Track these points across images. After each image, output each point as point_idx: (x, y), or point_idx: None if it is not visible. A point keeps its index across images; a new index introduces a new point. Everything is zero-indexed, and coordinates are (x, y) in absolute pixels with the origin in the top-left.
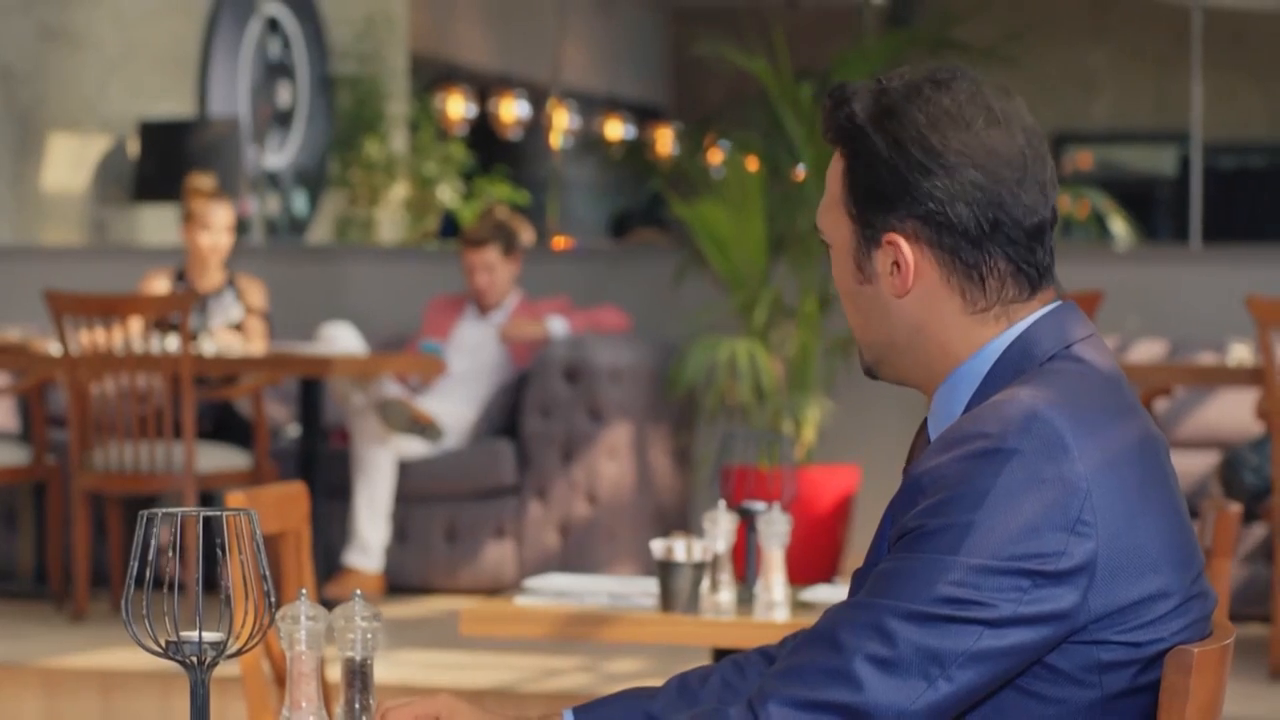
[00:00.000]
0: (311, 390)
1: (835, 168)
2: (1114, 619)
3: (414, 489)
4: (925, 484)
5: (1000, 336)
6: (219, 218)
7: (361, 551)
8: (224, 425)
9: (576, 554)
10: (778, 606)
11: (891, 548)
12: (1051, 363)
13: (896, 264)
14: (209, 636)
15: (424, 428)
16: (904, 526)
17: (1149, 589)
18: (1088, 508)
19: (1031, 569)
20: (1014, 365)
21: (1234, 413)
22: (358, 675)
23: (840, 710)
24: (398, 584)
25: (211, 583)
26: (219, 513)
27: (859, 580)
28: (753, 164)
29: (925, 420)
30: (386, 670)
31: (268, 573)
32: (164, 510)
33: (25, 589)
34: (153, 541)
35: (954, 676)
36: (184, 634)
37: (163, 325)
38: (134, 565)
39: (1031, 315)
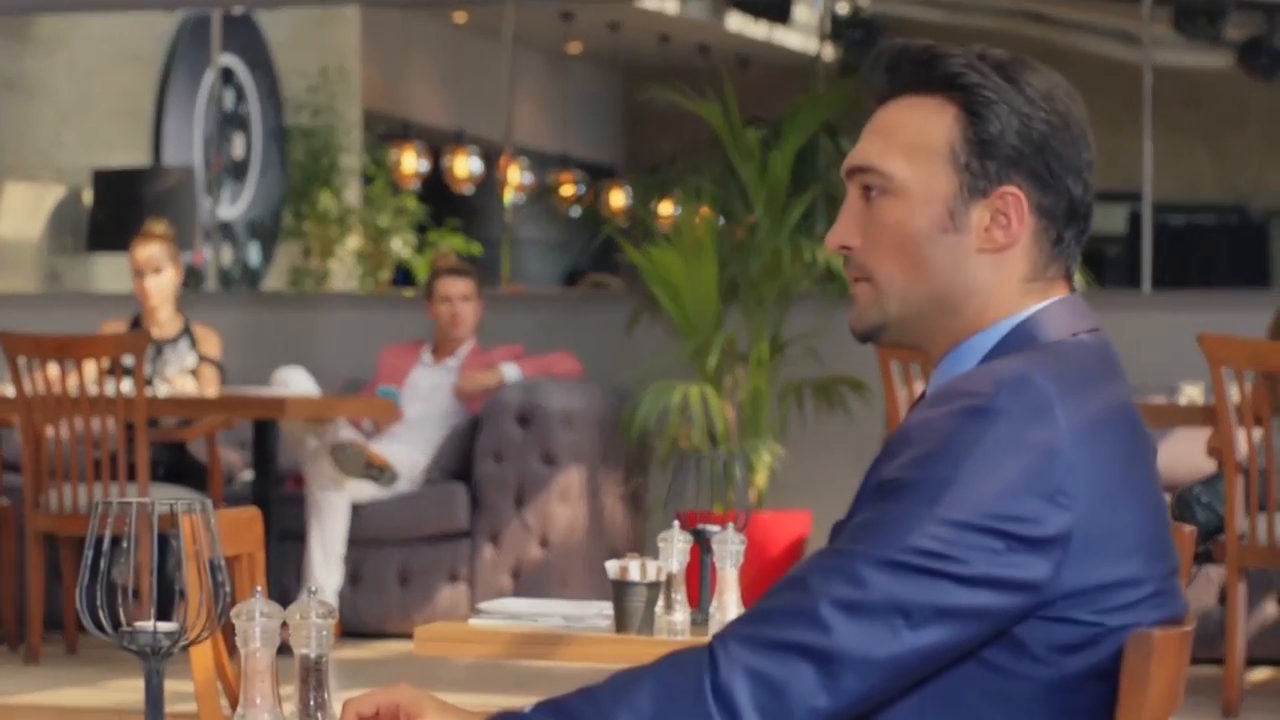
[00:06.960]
0: (265, 434)
1: (933, 115)
2: (1084, 598)
3: (367, 533)
4: (910, 437)
5: (1021, 311)
6: (144, 256)
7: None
8: (178, 469)
9: (529, 597)
10: None
11: (870, 498)
12: (1055, 345)
13: (1003, 218)
14: (163, 626)
15: (378, 472)
16: (884, 477)
17: (1122, 573)
18: (1069, 479)
19: (1007, 530)
20: (1015, 346)
21: (1187, 455)
22: (312, 672)
23: (804, 651)
24: (351, 627)
25: (165, 577)
26: (172, 505)
27: (837, 533)
28: (705, 210)
29: (923, 393)
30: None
31: (222, 564)
32: (119, 500)
33: None
34: (107, 533)
35: (920, 630)
36: (138, 624)
37: (117, 369)
38: (88, 555)
39: (1050, 299)
